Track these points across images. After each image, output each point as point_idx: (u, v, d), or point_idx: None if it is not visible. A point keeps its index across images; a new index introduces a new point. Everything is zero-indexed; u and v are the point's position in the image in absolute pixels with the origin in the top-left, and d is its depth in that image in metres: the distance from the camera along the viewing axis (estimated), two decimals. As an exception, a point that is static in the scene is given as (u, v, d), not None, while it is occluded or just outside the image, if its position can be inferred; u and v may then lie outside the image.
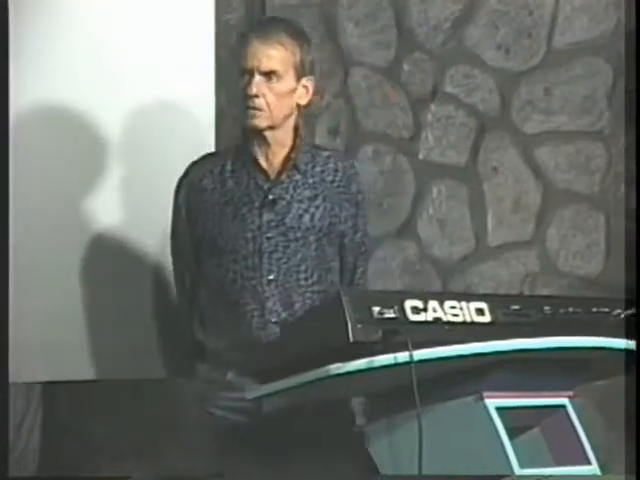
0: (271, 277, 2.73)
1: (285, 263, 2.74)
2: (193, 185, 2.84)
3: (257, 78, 2.71)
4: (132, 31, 3.26)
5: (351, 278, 2.83)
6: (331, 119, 3.86)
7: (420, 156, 3.80)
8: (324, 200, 2.78)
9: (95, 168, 3.21)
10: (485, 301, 2.29)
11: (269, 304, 2.73)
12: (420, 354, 2.18)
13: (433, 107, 3.77)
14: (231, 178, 2.81)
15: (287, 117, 2.77)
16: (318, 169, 2.80)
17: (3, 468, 2.23)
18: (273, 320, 2.72)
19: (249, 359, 2.41)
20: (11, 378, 2.95)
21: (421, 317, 2.20)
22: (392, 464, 2.36)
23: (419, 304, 2.21)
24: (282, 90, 2.73)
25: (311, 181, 2.78)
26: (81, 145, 3.20)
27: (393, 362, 2.18)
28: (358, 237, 2.83)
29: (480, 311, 2.26)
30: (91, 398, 3.44)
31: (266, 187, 2.77)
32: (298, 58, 2.75)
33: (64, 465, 2.59)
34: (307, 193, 2.77)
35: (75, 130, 3.19)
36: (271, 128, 2.75)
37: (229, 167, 2.82)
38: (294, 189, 2.77)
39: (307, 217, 2.76)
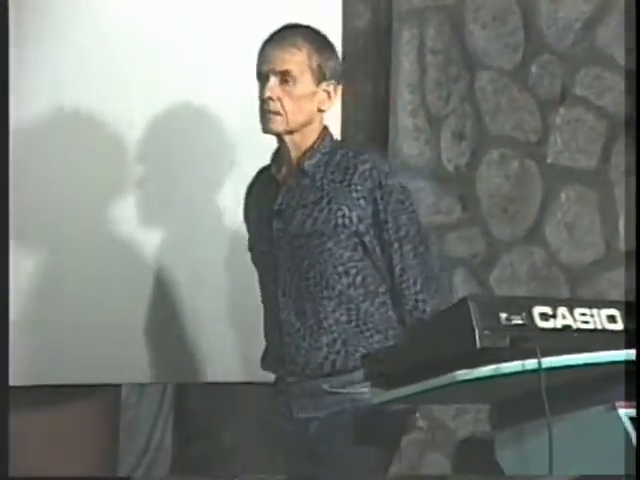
0: (283, 288, 2.68)
1: (295, 272, 2.66)
2: (246, 194, 2.86)
3: (272, 81, 2.65)
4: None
5: (391, 278, 2.67)
6: (456, 123, 3.83)
7: (548, 160, 3.74)
8: (329, 202, 2.65)
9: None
10: (617, 308, 2.23)
11: (283, 315, 2.68)
12: (549, 361, 2.14)
13: (562, 110, 3.70)
14: (256, 189, 2.81)
15: (307, 122, 2.68)
16: (330, 170, 2.67)
17: (3, 468, 2.25)
18: (287, 331, 2.67)
19: (374, 364, 2.39)
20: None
21: (550, 324, 2.17)
22: (520, 472, 2.32)
23: (548, 310, 2.17)
24: (299, 93, 2.66)
25: (319, 184, 2.67)
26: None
27: (521, 369, 2.15)
28: (386, 236, 2.64)
29: (612, 318, 2.21)
30: (221, 400, 3.49)
31: (275, 196, 2.70)
32: (315, 62, 2.67)
33: (197, 466, 2.61)
34: (312, 197, 2.66)
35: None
36: (289, 132, 2.67)
37: (262, 176, 2.81)
38: (300, 195, 2.68)
39: (309, 222, 2.65)
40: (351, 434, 2.62)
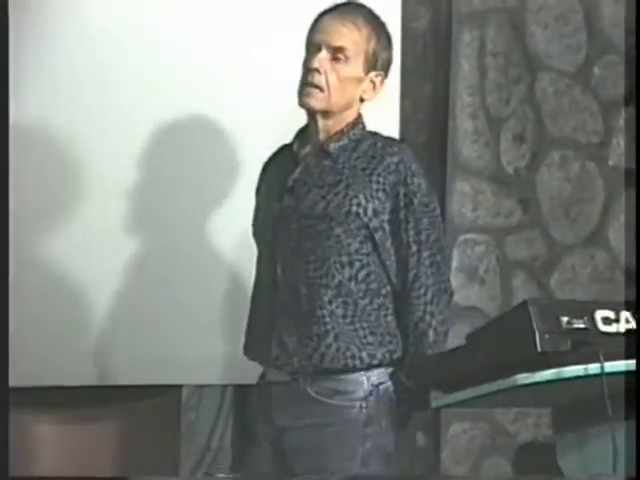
0: (283, 267, 2.48)
1: (297, 252, 2.47)
2: (262, 168, 2.68)
3: (323, 53, 2.45)
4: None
5: (403, 281, 2.47)
6: (517, 125, 3.80)
7: (610, 162, 3.71)
8: (347, 187, 2.45)
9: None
10: (681, 312, 2.21)
11: (280, 295, 2.48)
12: (611, 366, 2.11)
13: (625, 112, 3.66)
14: (274, 164, 2.63)
15: (346, 107, 2.49)
16: (355, 155, 2.48)
17: (3, 468, 2.25)
18: (281, 312, 2.47)
19: (432, 367, 2.38)
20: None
21: (612, 328, 2.14)
22: (583, 476, 2.30)
23: (610, 314, 2.15)
24: (347, 74, 2.46)
25: (340, 167, 2.47)
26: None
27: (583, 373, 2.13)
28: (404, 236, 2.46)
29: (676, 322, 2.18)
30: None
31: (291, 171, 2.50)
32: (372, 47, 2.47)
33: (257, 466, 2.61)
34: (330, 179, 2.47)
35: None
36: (325, 113, 2.48)
37: (283, 152, 2.61)
38: (318, 175, 2.48)
39: (322, 204, 2.45)
40: (331, 453, 2.41)
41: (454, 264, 3.80)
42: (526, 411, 3.63)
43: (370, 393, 2.43)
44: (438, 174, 3.80)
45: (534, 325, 2.09)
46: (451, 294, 2.51)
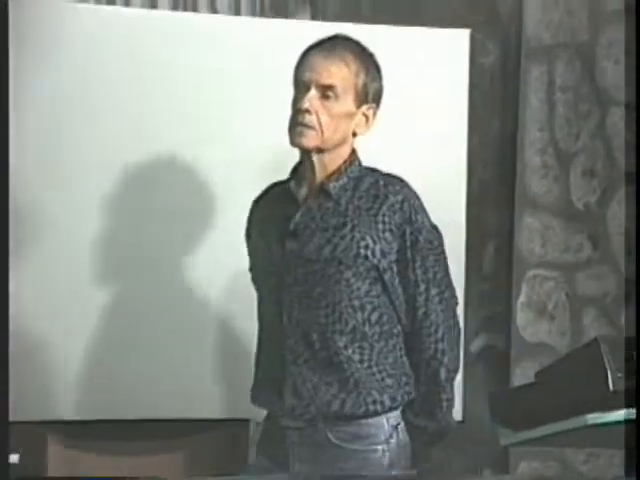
0: (289, 313, 2.42)
1: (305, 298, 2.41)
2: (252, 208, 2.61)
3: (312, 92, 2.40)
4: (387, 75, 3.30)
5: (412, 320, 2.44)
6: (587, 160, 3.77)
7: (682, 197, 3.65)
8: (352, 229, 2.40)
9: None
10: None
11: (289, 342, 2.42)
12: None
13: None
14: (268, 204, 2.56)
15: (339, 143, 2.44)
16: (357, 195, 2.44)
17: (3, 467, 2.24)
18: (292, 360, 2.42)
19: (501, 404, 2.36)
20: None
21: (686, 366, 2.10)
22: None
23: (684, 352, 2.11)
24: (338, 111, 2.42)
25: (343, 208, 2.42)
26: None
27: (656, 413, 2.09)
28: (412, 275, 2.42)
29: None
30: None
31: (292, 214, 2.45)
32: (361, 81, 2.43)
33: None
34: (334, 221, 2.42)
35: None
36: (319, 151, 2.43)
37: (274, 191, 2.56)
38: (321, 217, 2.43)
39: (329, 248, 2.40)
40: None
41: (522, 299, 3.77)
42: (597, 451, 3.57)
43: (391, 435, 2.41)
44: (506, 210, 3.78)
45: (606, 363, 2.06)
46: (459, 331, 2.49)
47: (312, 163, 2.44)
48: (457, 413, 3.32)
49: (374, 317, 2.42)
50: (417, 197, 2.46)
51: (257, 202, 2.59)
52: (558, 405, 2.16)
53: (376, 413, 2.40)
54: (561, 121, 3.79)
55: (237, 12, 3.55)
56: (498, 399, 2.38)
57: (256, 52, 3.20)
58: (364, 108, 2.45)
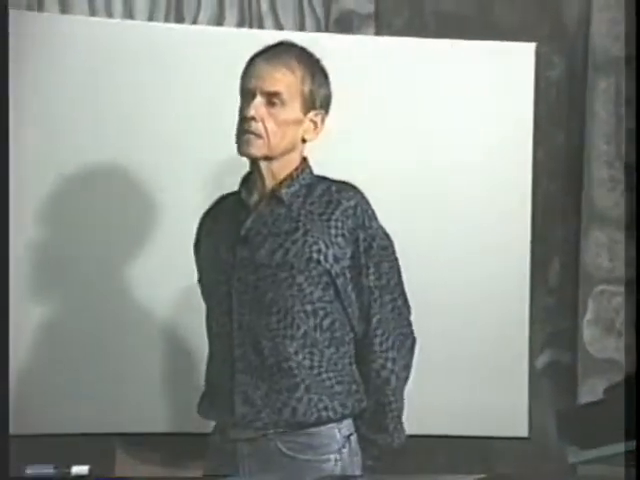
0: (239, 321, 2.37)
1: (255, 305, 2.36)
2: (200, 221, 2.58)
3: (258, 100, 2.37)
4: (453, 88, 3.30)
5: (365, 328, 2.40)
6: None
7: None
8: (305, 234, 2.36)
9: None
10: None
11: (239, 351, 2.37)
12: None
13: None
14: (218, 215, 2.53)
15: (288, 150, 2.41)
16: (309, 201, 2.40)
17: (3, 468, 2.25)
18: (242, 369, 2.37)
19: (569, 421, 2.33)
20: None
21: None
22: None
23: None
24: (284, 118, 2.38)
25: (295, 214, 2.39)
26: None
27: None
28: (365, 281, 2.38)
29: None
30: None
31: (242, 221, 2.42)
32: (307, 87, 2.40)
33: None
34: (286, 226, 2.38)
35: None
36: (267, 159, 2.40)
37: (225, 202, 2.53)
38: (273, 222, 2.39)
39: (280, 252, 2.36)
40: None
41: (589, 316, 3.73)
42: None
43: (343, 445, 2.37)
44: (572, 223, 3.74)
45: (676, 380, 2.02)
46: (413, 340, 2.44)
47: (260, 171, 2.41)
48: (523, 429, 3.30)
49: (326, 323, 2.38)
50: (369, 204, 2.42)
51: (207, 214, 2.56)
52: (627, 423, 2.12)
53: (328, 420, 2.35)
54: (629, 134, 3.74)
55: (302, 28, 3.57)
56: (566, 416, 2.35)
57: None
58: (312, 114, 2.42)
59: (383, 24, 3.66)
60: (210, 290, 2.47)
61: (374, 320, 2.39)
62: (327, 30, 3.59)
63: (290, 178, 2.42)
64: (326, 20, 3.63)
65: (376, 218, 2.42)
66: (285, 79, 2.38)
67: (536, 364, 3.65)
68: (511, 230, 3.35)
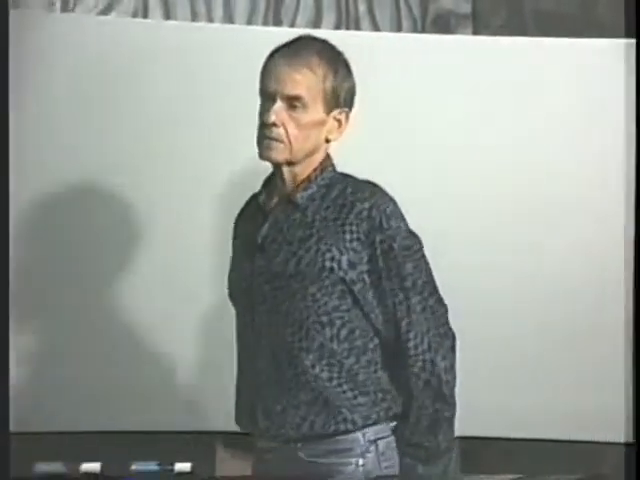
0: (260, 332, 2.31)
1: (274, 315, 2.29)
2: (235, 223, 2.49)
3: (278, 104, 2.26)
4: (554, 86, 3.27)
5: (395, 332, 2.29)
6: None
7: None
8: (318, 241, 2.26)
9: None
10: None
11: (260, 363, 2.32)
12: None
13: None
14: (242, 218, 2.46)
15: (311, 152, 2.31)
16: (324, 205, 2.29)
17: (4, 468, 2.25)
18: (263, 382, 2.32)
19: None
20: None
21: None
22: None
23: None
24: (307, 121, 2.28)
25: (310, 219, 2.29)
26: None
27: None
28: (387, 285, 2.27)
29: None
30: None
31: (259, 227, 2.34)
32: (330, 85, 2.28)
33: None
34: (300, 233, 2.28)
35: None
36: (290, 163, 2.30)
37: (251, 204, 2.44)
38: (288, 229, 2.30)
39: (293, 262, 2.27)
40: None
41: None
42: None
43: (367, 449, 2.28)
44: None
45: None
46: (453, 338, 2.32)
47: (282, 175, 2.32)
48: (624, 435, 3.24)
49: (343, 333, 2.28)
50: (391, 203, 2.29)
51: (239, 217, 2.49)
52: None
53: (347, 431, 2.28)
54: None
55: (399, 29, 3.57)
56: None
57: (418, 69, 3.21)
58: (335, 113, 2.31)
59: (481, 23, 3.63)
60: (235, 298, 2.41)
61: (403, 324, 2.28)
62: (424, 31, 3.58)
63: (308, 180, 2.32)
64: (423, 20, 3.61)
65: (398, 217, 2.30)
66: (306, 80, 2.27)
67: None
68: (607, 229, 3.31)
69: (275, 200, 2.35)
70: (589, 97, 3.28)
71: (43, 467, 2.25)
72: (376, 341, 2.31)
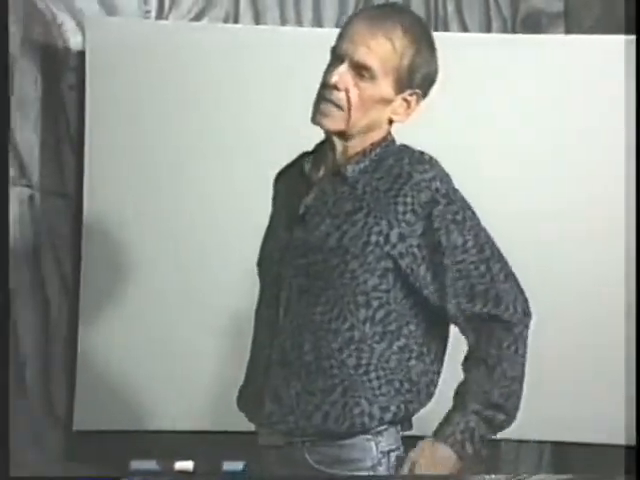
0: (286, 308, 2.12)
1: (304, 293, 2.10)
2: (275, 180, 2.31)
3: (344, 67, 2.06)
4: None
5: (482, 304, 2.07)
6: None
7: None
8: (367, 215, 2.07)
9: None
10: None
11: (279, 340, 2.11)
12: None
13: None
14: (288, 179, 2.26)
15: (369, 129, 2.11)
16: (376, 176, 2.09)
17: (4, 468, 2.25)
18: (278, 361, 2.12)
19: None
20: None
21: None
22: None
23: None
24: (372, 94, 2.07)
25: (360, 192, 2.09)
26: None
27: None
28: (438, 260, 2.06)
29: None
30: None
31: (302, 197, 2.15)
32: (407, 62, 2.08)
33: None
34: (347, 207, 2.09)
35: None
36: (342, 135, 2.11)
37: (297, 164, 2.23)
38: (334, 203, 2.10)
39: (335, 236, 2.07)
40: None
41: None
42: None
43: (379, 462, 2.09)
44: None
45: None
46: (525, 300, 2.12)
47: (334, 147, 2.13)
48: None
49: (379, 315, 2.09)
50: (449, 178, 2.12)
51: (280, 176, 2.30)
52: None
53: (363, 428, 2.07)
54: None
55: (488, 29, 3.55)
56: None
57: (505, 70, 3.20)
58: (406, 93, 2.11)
59: (574, 22, 3.59)
60: (263, 268, 2.22)
61: (491, 295, 2.08)
62: (514, 31, 3.56)
63: (362, 154, 2.13)
64: (513, 20, 3.59)
65: (457, 190, 2.12)
66: (382, 51, 2.07)
67: None
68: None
69: (322, 171, 2.16)
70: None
71: (138, 465, 2.30)
72: (412, 327, 2.12)
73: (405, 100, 2.12)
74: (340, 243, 2.08)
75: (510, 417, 2.10)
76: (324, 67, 3.10)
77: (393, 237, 2.07)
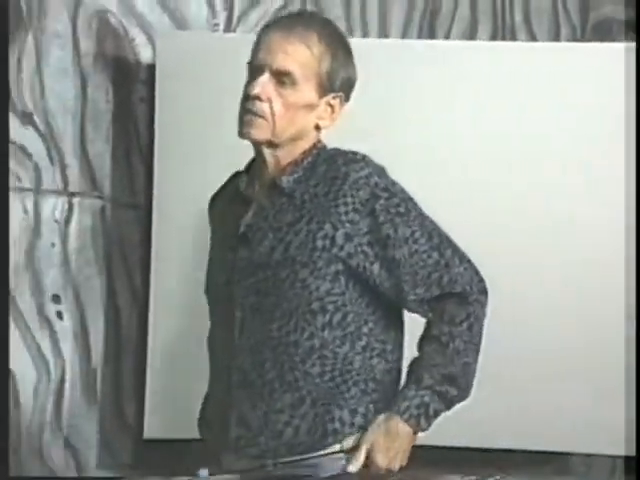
0: (240, 330, 2.10)
1: (256, 312, 2.09)
2: (210, 206, 2.31)
3: (265, 76, 2.08)
4: None
5: (439, 291, 2.09)
6: None
7: None
8: (309, 222, 2.07)
9: None
10: None
11: (237, 363, 2.10)
12: None
13: None
14: (223, 201, 2.26)
15: (297, 137, 2.12)
16: (312, 183, 2.10)
17: (3, 468, 2.22)
18: (239, 383, 2.10)
19: None
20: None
21: None
22: None
23: None
24: (295, 101, 2.09)
25: (299, 202, 2.09)
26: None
27: None
28: (390, 254, 2.07)
29: None
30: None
31: (241, 216, 2.15)
32: (326, 67, 2.10)
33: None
34: (288, 218, 2.09)
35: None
36: (271, 145, 2.12)
37: (230, 185, 2.25)
38: (274, 216, 2.11)
39: (280, 248, 2.08)
40: None
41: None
42: None
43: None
44: None
45: None
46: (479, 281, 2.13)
47: (264, 158, 2.14)
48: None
49: (336, 318, 2.09)
50: (385, 172, 2.12)
51: (214, 199, 2.31)
52: None
53: (334, 433, 2.07)
54: None
55: (556, 38, 3.52)
56: None
57: (573, 79, 3.17)
58: (329, 97, 2.13)
59: (646, 30, 3.54)
60: (212, 293, 2.23)
61: (444, 281, 2.10)
62: (583, 39, 3.52)
63: (294, 164, 2.13)
64: (582, 28, 3.56)
65: (394, 183, 2.12)
66: (299, 56, 2.09)
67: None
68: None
69: (258, 186, 2.17)
70: None
71: (205, 473, 2.32)
72: (370, 325, 2.13)
73: (329, 104, 2.14)
74: (286, 255, 2.09)
75: (463, 392, 2.11)
76: (389, 80, 3.11)
77: (339, 239, 2.07)
